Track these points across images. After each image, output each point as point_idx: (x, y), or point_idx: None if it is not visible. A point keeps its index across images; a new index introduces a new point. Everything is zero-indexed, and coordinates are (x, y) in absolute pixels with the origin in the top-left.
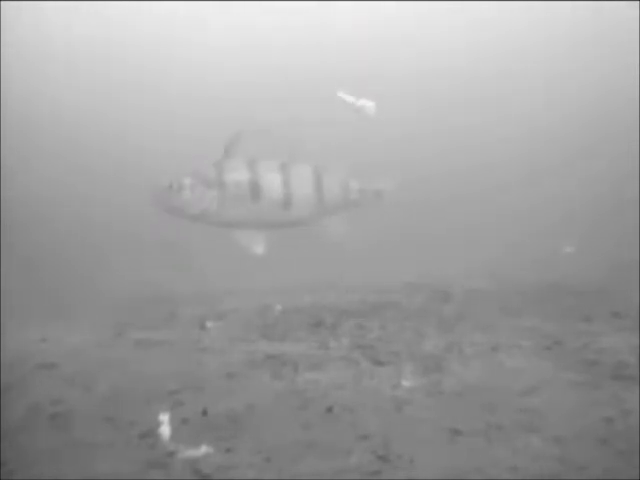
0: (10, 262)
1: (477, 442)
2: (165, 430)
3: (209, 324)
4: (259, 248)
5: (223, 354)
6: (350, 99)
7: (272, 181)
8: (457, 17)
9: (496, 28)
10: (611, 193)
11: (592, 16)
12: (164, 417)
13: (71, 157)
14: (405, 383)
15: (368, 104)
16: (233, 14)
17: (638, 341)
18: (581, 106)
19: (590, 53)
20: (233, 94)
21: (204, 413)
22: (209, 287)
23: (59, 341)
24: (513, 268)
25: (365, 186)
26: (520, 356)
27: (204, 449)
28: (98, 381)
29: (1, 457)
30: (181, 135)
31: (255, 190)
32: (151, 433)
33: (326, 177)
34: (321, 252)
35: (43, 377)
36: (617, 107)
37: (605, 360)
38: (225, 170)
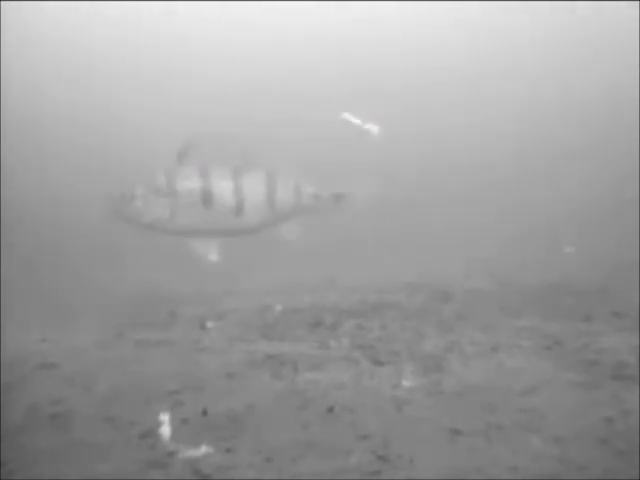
0: (10, 262)
1: (477, 442)
2: (165, 430)
3: (209, 324)
4: (213, 255)
5: (223, 354)
6: (356, 122)
7: (224, 188)
8: (456, 16)
9: (494, 27)
10: (611, 193)
11: (592, 16)
12: (164, 417)
13: (71, 157)
14: (405, 383)
15: (374, 128)
16: (232, 13)
17: (638, 341)
18: (581, 105)
19: (590, 53)
20: (233, 92)
21: (204, 413)
22: (209, 287)
23: (59, 341)
24: (513, 268)
25: (321, 191)
26: (520, 356)
27: (204, 449)
28: (98, 381)
29: (1, 457)
30: (181, 134)
31: (207, 198)
32: (151, 433)
33: (279, 183)
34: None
35: (43, 377)
36: (617, 106)
37: (605, 360)
38: (177, 178)
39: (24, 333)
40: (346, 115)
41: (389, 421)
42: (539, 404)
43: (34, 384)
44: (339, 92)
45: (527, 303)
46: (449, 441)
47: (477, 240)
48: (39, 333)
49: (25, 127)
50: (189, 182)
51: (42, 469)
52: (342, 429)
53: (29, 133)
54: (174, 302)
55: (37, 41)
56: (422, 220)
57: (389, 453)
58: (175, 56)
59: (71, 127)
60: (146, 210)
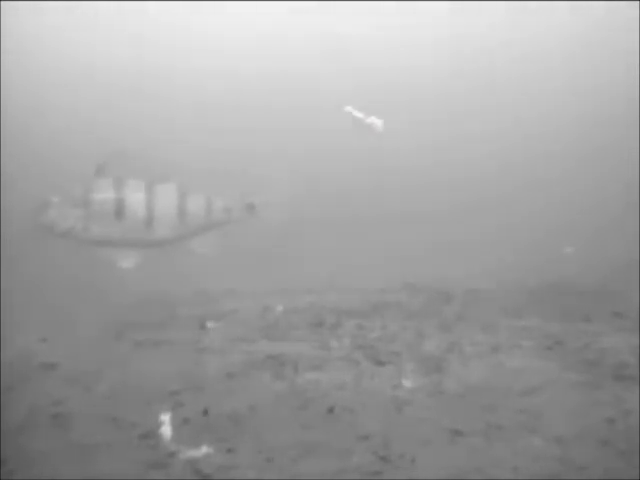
0: (10, 262)
1: (478, 442)
2: (166, 430)
3: (209, 324)
4: (126, 263)
5: (224, 354)
6: (359, 115)
7: (136, 200)
8: (457, 21)
9: (494, 33)
10: (612, 193)
11: (592, 16)
12: (165, 417)
13: (70, 164)
14: (406, 383)
15: (377, 121)
16: (230, 14)
17: (638, 341)
18: (578, 106)
19: (591, 55)
20: (233, 101)
21: (205, 413)
22: (209, 287)
23: (59, 341)
24: (513, 268)
25: (233, 204)
26: (521, 356)
27: (205, 449)
28: (99, 381)
29: (1, 457)
30: (181, 142)
31: (119, 209)
32: (152, 433)
33: (190, 196)
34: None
35: (44, 377)
36: (616, 108)
37: (606, 360)
38: (92, 189)
39: (24, 333)
40: (349, 108)
41: (390, 421)
42: (540, 404)
43: (34, 384)
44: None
45: (527, 303)
46: (450, 441)
47: (477, 240)
48: (39, 333)
49: (25, 134)
50: (103, 193)
51: (42, 469)
52: (343, 429)
53: (29, 140)
54: (174, 302)
55: (37, 48)
56: (423, 221)
57: (390, 453)
58: (175, 62)
59: (70, 134)
60: (60, 220)
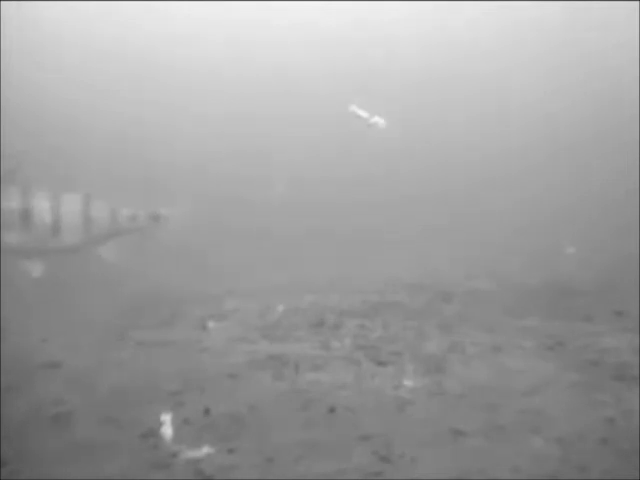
0: (10, 262)
1: (479, 442)
2: (167, 431)
3: (211, 324)
4: (36, 271)
5: (225, 354)
6: (363, 114)
7: (42, 209)
8: (455, 15)
9: (491, 26)
10: (612, 193)
11: (592, 16)
12: (166, 417)
13: (72, 156)
14: (407, 383)
15: (380, 121)
16: (230, 9)
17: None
18: (582, 105)
19: (590, 51)
20: (234, 90)
21: (206, 414)
22: (210, 287)
23: (60, 341)
24: (514, 268)
25: (139, 212)
26: (522, 356)
27: (206, 450)
28: (100, 381)
29: (3, 457)
30: (184, 133)
31: (25, 218)
32: (153, 434)
33: (95, 205)
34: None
35: (45, 377)
36: (617, 106)
37: (607, 360)
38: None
39: (24, 333)
40: (353, 108)
41: (391, 421)
42: (541, 404)
43: (36, 384)
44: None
45: (528, 303)
46: (451, 442)
47: (478, 240)
48: (40, 333)
49: (25, 127)
50: (9, 202)
51: (43, 469)
52: (344, 430)
53: (29, 132)
54: (175, 302)
55: (38, 40)
56: (422, 220)
57: (391, 453)
58: (176, 53)
59: (73, 126)
60: None
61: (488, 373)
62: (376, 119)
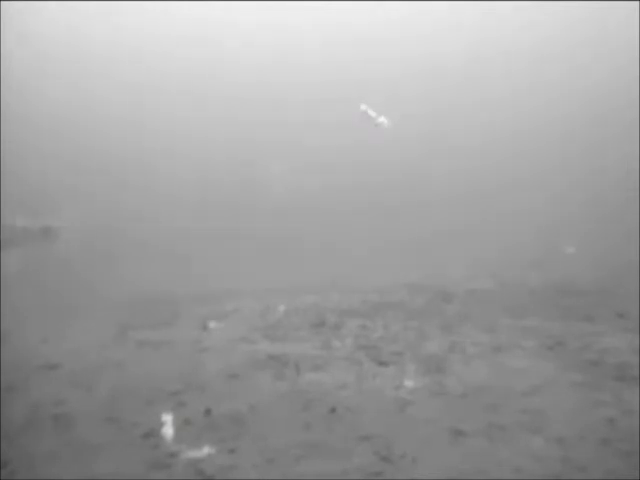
0: (11, 262)
1: (480, 443)
2: (168, 431)
3: (211, 324)
4: None
5: (225, 354)
6: (373, 114)
7: None
8: (459, 18)
9: (493, 29)
10: (613, 194)
11: (592, 16)
12: (167, 418)
13: (72, 158)
14: (408, 383)
15: (386, 121)
16: (239, 11)
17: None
18: (583, 107)
19: (591, 53)
20: (238, 94)
21: (207, 414)
22: (211, 287)
23: (61, 342)
24: (515, 268)
25: (31, 225)
26: (522, 356)
27: (207, 450)
28: (100, 382)
29: (3, 457)
30: (183, 136)
31: None
32: (154, 434)
33: None
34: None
35: (45, 378)
36: (618, 108)
37: (607, 360)
38: None
39: (25, 333)
40: (364, 107)
41: (392, 422)
42: (541, 404)
43: (36, 385)
44: None
45: (529, 303)
46: (452, 442)
47: (478, 240)
48: (41, 334)
49: (25, 129)
50: None
51: (44, 469)
52: (344, 430)
53: (29, 135)
54: (176, 302)
55: (38, 42)
56: (422, 220)
57: (391, 454)
58: (177, 56)
59: (72, 128)
60: None
61: (489, 373)
62: (382, 119)
